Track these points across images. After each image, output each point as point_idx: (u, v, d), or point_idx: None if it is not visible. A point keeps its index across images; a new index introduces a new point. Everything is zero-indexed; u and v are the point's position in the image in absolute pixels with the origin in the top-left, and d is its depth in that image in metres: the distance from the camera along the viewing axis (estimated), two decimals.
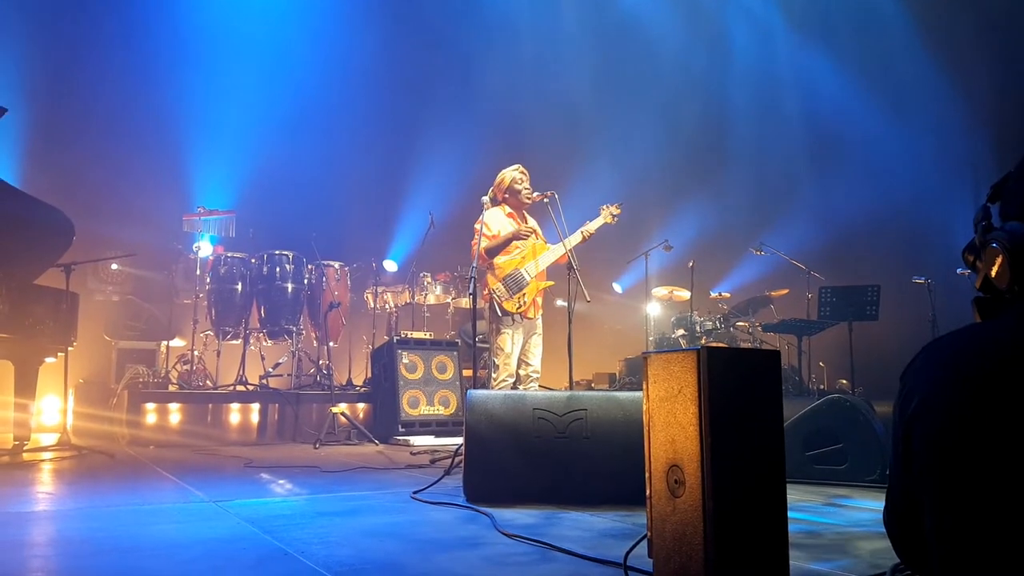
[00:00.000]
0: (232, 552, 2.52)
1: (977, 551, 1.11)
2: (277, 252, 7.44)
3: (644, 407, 1.93)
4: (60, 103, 8.43)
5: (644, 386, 1.94)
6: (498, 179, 5.28)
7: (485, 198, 5.19)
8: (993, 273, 1.30)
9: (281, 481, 4.23)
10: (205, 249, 7.51)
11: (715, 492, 1.69)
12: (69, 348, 5.40)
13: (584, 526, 2.98)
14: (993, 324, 1.27)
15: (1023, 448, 1.08)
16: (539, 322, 5.21)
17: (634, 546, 2.11)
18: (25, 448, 5.04)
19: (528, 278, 5.05)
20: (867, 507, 3.49)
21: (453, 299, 8.58)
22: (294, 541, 2.63)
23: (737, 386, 1.77)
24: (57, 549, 2.64)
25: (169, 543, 2.67)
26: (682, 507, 1.76)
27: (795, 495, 3.82)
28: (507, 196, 5.24)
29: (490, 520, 3.02)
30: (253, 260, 7.44)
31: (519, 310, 5.00)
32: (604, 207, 5.30)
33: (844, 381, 8.55)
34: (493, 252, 5.06)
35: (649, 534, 1.88)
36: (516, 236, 5.07)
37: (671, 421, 1.81)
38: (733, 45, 11.65)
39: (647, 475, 1.90)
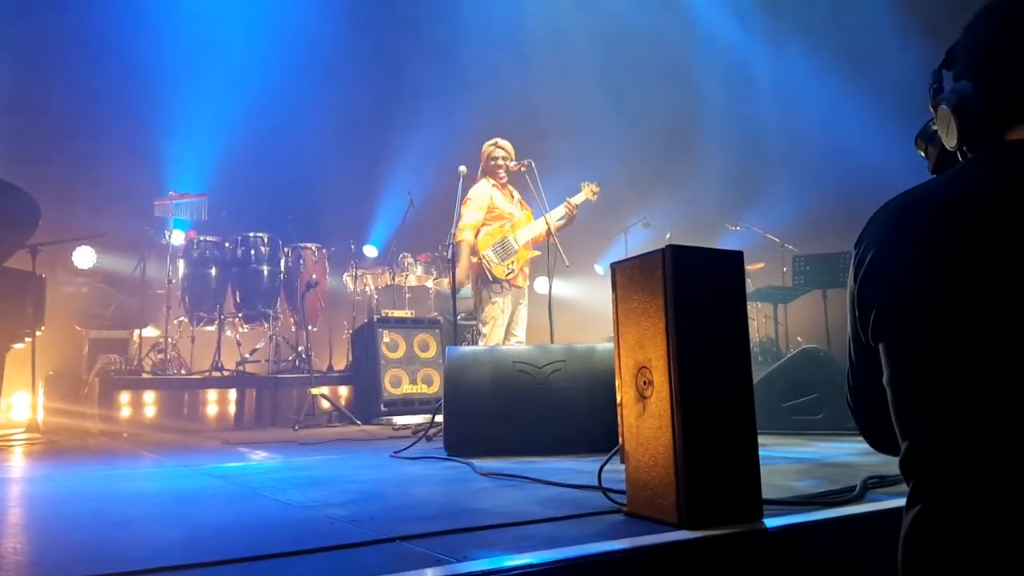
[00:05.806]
0: (203, 496, 2.49)
1: (932, 391, 1.11)
2: (252, 234, 7.24)
3: (613, 317, 1.92)
4: (26, 85, 8.22)
5: (612, 297, 1.93)
6: (482, 149, 5.34)
7: (462, 168, 5.20)
8: (945, 135, 1.31)
9: (258, 452, 4.18)
10: (177, 238, 7.36)
11: (681, 382, 1.68)
12: (37, 333, 5.29)
13: (562, 467, 2.96)
14: (940, 180, 1.28)
15: (964, 290, 1.08)
16: (526, 292, 5.27)
17: (608, 459, 2.10)
18: None
19: (516, 246, 5.12)
20: (845, 448, 3.50)
21: (435, 279, 8.48)
22: (266, 487, 2.59)
23: (702, 281, 1.77)
24: (29, 499, 2.59)
25: (141, 494, 2.64)
26: (652, 407, 1.75)
27: (773, 441, 3.84)
28: (486, 167, 5.31)
29: (470, 467, 3.00)
30: (227, 244, 7.24)
31: (508, 276, 5.04)
32: (585, 184, 5.45)
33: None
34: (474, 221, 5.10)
35: (621, 441, 1.87)
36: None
37: (640, 321, 1.80)
38: (704, 25, 11.68)
39: (617, 383, 1.89)
